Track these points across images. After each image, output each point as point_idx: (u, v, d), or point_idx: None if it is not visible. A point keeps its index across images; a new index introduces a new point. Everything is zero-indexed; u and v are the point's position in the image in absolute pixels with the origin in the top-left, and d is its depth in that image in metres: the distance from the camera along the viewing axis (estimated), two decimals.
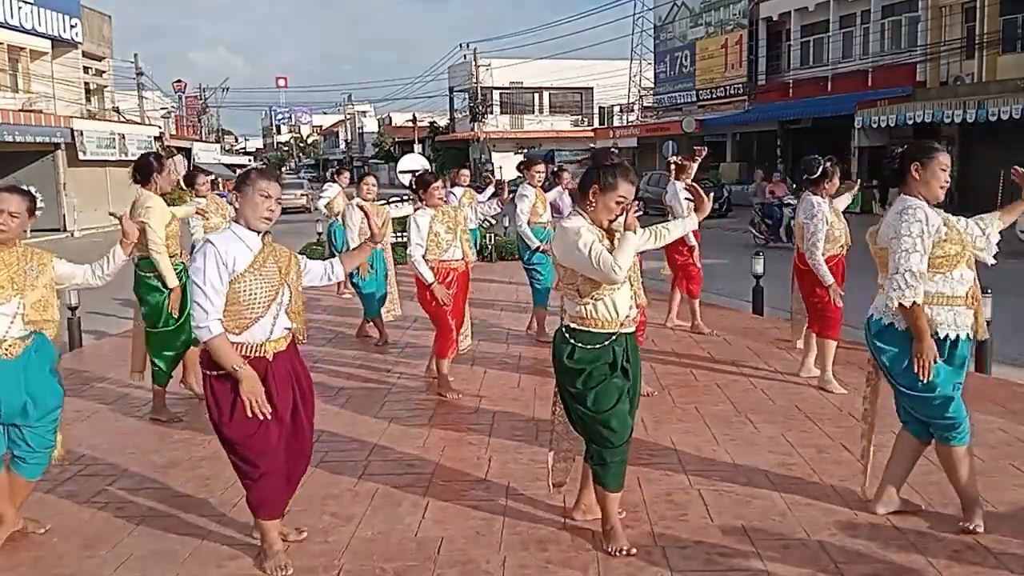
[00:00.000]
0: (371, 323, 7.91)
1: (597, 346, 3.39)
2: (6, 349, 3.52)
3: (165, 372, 5.60)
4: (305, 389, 3.48)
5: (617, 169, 3.35)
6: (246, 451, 3.32)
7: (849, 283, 6.05)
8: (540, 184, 7.79)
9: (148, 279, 5.48)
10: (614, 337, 3.40)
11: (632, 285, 3.45)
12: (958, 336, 3.53)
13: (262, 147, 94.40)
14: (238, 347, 3.24)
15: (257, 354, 3.27)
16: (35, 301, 3.58)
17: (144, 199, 5.40)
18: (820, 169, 5.76)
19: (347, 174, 10.79)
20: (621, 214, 3.34)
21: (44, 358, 3.67)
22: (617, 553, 3.47)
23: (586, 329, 3.40)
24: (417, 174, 6.14)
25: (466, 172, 10.47)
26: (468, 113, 50.83)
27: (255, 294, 3.21)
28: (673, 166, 7.77)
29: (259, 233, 3.29)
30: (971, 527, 3.58)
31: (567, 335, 3.45)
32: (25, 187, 3.69)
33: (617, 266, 3.25)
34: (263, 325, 3.25)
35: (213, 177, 9.96)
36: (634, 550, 3.49)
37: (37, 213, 3.70)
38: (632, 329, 3.50)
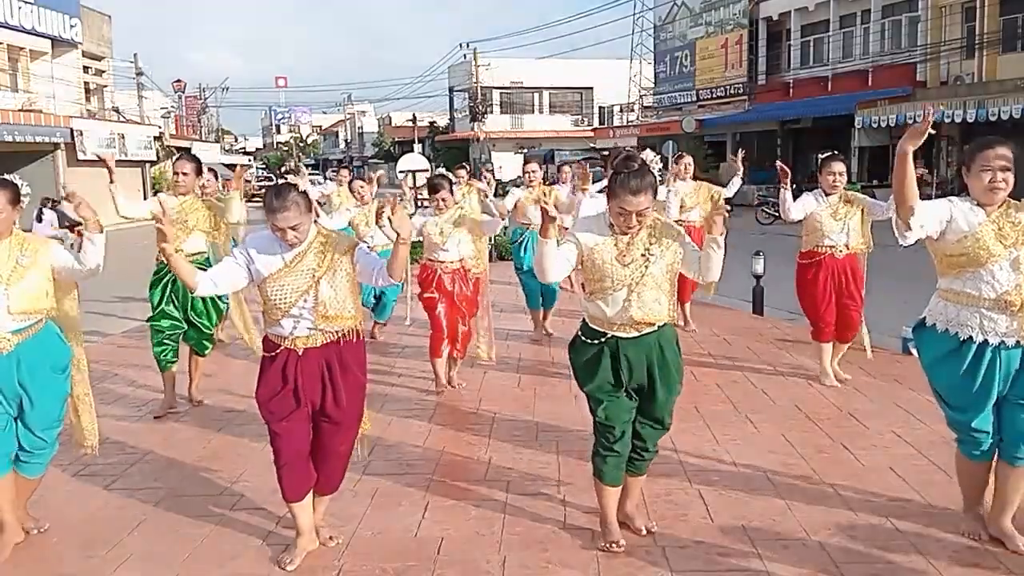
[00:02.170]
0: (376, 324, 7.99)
1: (589, 341, 3.47)
2: None
3: (159, 361, 5.72)
4: (340, 390, 3.45)
5: (618, 178, 3.27)
6: (267, 422, 3.49)
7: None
8: (534, 183, 7.79)
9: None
10: (606, 337, 3.42)
11: (631, 292, 3.33)
12: (986, 341, 3.33)
13: (262, 147, 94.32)
14: (272, 337, 3.47)
15: (286, 346, 3.42)
16: (24, 291, 3.52)
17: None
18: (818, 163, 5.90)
19: (346, 172, 10.88)
20: (631, 227, 3.29)
21: (46, 357, 3.64)
22: (607, 547, 3.51)
23: (586, 323, 3.51)
24: (428, 178, 6.18)
25: (463, 173, 10.48)
26: (468, 113, 50.80)
27: (276, 297, 3.37)
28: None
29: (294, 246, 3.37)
30: (968, 532, 3.57)
31: (579, 327, 3.57)
32: (5, 176, 3.62)
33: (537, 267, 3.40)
34: (285, 324, 3.39)
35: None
36: (622, 543, 3.52)
37: (24, 201, 3.62)
38: (631, 335, 3.39)
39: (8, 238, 3.58)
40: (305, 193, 3.38)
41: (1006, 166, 3.27)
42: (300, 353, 3.40)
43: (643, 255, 3.33)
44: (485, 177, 7.80)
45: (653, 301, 3.36)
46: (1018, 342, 3.33)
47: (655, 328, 3.42)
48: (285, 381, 3.42)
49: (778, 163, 6.53)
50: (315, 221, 3.48)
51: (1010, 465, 3.43)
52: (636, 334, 3.40)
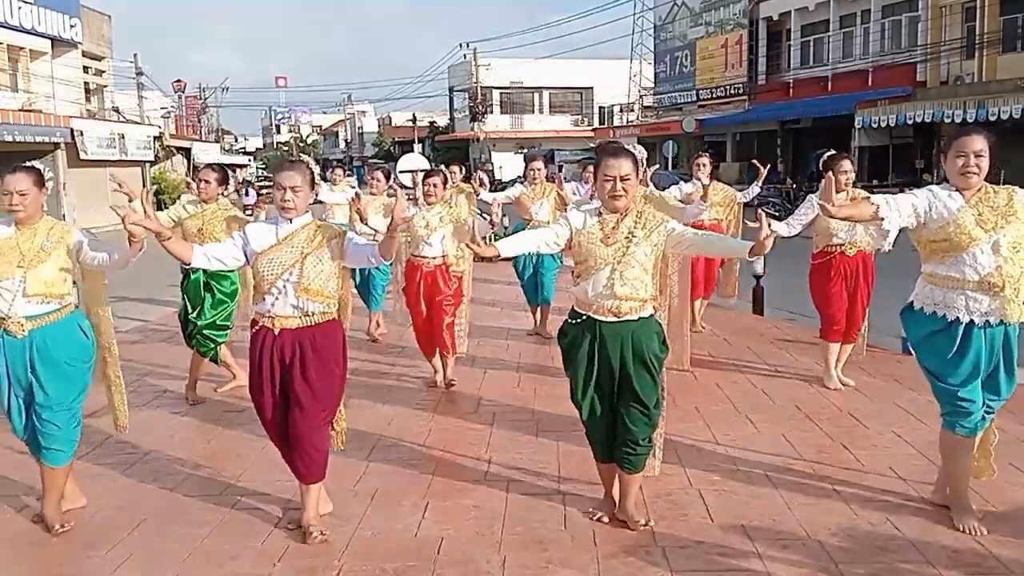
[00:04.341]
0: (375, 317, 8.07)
1: (572, 321, 3.66)
2: (11, 326, 3.63)
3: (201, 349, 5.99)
4: (309, 370, 3.60)
5: (600, 149, 3.57)
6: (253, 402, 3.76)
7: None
8: (537, 180, 7.80)
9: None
10: (584, 318, 3.59)
11: (614, 270, 3.48)
12: (972, 322, 3.51)
13: (262, 147, 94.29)
14: (255, 315, 3.70)
15: (264, 324, 3.64)
16: (42, 275, 3.64)
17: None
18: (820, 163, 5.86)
19: (340, 171, 10.92)
20: (616, 194, 3.49)
21: (62, 348, 3.71)
22: (591, 514, 3.82)
23: (573, 308, 3.70)
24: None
25: (455, 169, 10.45)
26: (468, 113, 50.81)
27: (265, 270, 3.58)
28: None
29: (290, 221, 3.61)
30: (963, 528, 3.62)
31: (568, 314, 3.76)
32: (27, 164, 3.77)
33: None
34: (269, 299, 3.60)
35: None
36: (604, 519, 3.77)
37: (48, 185, 3.80)
38: (609, 319, 3.53)
39: (37, 223, 3.73)
40: (314, 175, 3.66)
41: (979, 153, 3.48)
42: (276, 333, 3.59)
43: (627, 237, 3.52)
44: (478, 178, 7.81)
45: (636, 279, 3.52)
46: (1001, 320, 3.50)
47: (636, 318, 3.55)
48: (260, 360, 3.63)
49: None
50: (316, 197, 3.79)
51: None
52: (615, 319, 3.53)
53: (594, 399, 3.65)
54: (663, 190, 7.51)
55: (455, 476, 4.44)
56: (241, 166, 57.50)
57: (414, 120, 55.22)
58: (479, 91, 49.78)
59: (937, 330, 3.60)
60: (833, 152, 5.86)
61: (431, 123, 57.65)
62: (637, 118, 41.34)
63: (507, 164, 43.45)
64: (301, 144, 79.10)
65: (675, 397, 5.74)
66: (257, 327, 3.67)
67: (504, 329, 8.24)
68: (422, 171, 7.16)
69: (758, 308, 8.87)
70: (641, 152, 5.41)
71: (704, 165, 7.80)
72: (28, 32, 27.11)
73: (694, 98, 34.82)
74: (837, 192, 5.76)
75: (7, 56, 26.30)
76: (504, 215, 14.24)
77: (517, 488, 4.23)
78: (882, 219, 3.48)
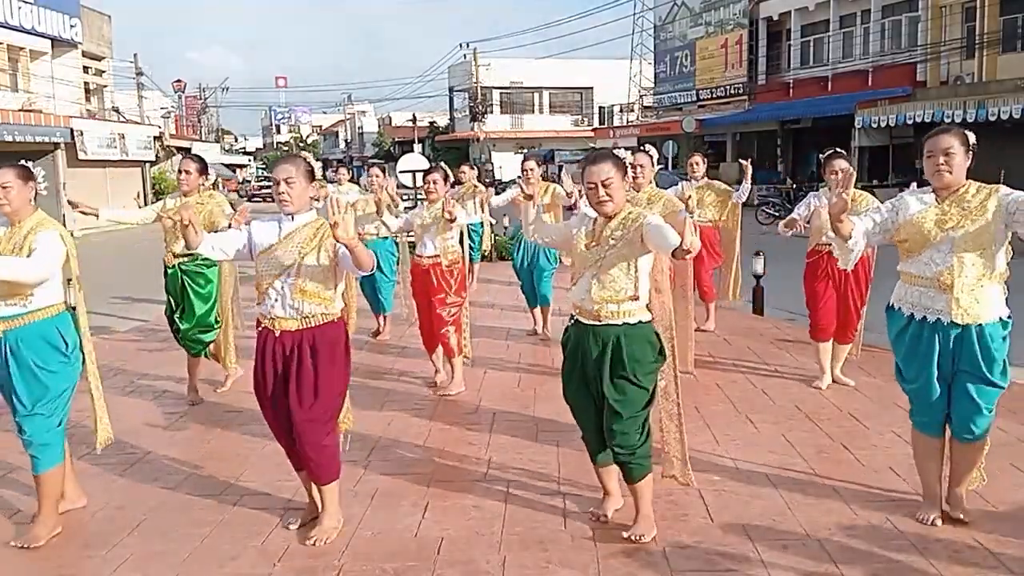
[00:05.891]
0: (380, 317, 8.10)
1: (568, 323, 3.73)
2: None
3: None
4: (307, 373, 3.57)
5: (583, 160, 3.65)
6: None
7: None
8: (532, 181, 7.79)
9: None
10: (572, 320, 3.66)
11: (593, 277, 3.48)
12: (925, 318, 3.58)
13: (262, 147, 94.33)
14: (259, 316, 3.69)
15: (266, 325, 3.65)
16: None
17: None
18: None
19: (344, 171, 10.93)
20: (601, 199, 3.49)
21: (35, 352, 3.63)
22: (591, 515, 3.81)
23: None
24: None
25: (465, 168, 10.45)
26: (468, 113, 50.79)
27: (264, 269, 3.61)
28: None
29: (292, 217, 3.62)
30: (921, 518, 3.72)
31: None
32: (14, 163, 3.75)
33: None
34: (269, 300, 3.62)
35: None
36: (603, 518, 3.78)
37: (41, 182, 3.79)
38: (592, 322, 3.52)
39: (24, 219, 3.68)
40: (311, 167, 3.65)
41: (948, 151, 3.52)
42: (277, 335, 3.61)
43: (609, 240, 3.52)
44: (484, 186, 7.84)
45: (613, 282, 3.48)
46: (953, 321, 3.52)
47: (620, 323, 3.49)
48: (263, 362, 3.65)
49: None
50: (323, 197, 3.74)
51: (958, 442, 3.69)
52: (595, 322, 3.53)
53: (577, 394, 3.68)
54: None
55: (455, 476, 4.44)
56: (241, 166, 57.50)
57: (414, 120, 55.16)
58: (479, 91, 49.74)
59: (903, 327, 3.70)
60: (831, 151, 5.84)
61: (431, 123, 57.60)
62: (637, 118, 41.30)
63: (507, 164, 43.41)
64: (301, 144, 78.99)
65: None
66: (260, 328, 3.69)
67: (504, 329, 8.24)
68: (422, 171, 7.17)
69: (758, 308, 8.88)
70: (652, 152, 5.56)
71: (697, 164, 7.85)
72: (28, 32, 27.13)
73: (694, 98, 34.78)
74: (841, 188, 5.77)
75: (7, 56, 26.31)
76: (504, 214, 14.32)
77: (517, 488, 4.23)
78: (848, 238, 3.60)
